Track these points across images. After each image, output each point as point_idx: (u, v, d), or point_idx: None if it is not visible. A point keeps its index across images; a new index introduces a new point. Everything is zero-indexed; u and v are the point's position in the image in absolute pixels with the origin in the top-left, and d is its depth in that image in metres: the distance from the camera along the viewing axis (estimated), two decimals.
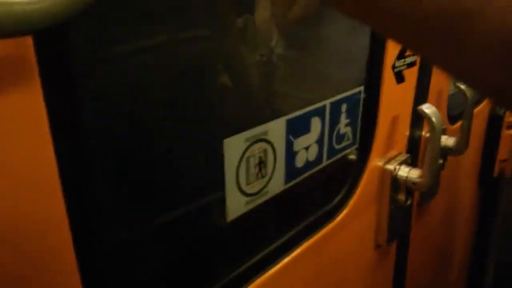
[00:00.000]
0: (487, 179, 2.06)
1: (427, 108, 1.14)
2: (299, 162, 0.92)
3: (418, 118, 1.28)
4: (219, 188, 0.76)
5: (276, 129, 0.84)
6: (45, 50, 0.46)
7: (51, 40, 0.46)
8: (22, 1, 0.34)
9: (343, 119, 1.02)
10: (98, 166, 0.60)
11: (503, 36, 0.26)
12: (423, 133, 1.35)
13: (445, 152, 1.44)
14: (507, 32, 0.26)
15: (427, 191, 1.42)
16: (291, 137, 0.88)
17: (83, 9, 0.38)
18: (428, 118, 1.13)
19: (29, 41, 0.44)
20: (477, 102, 1.75)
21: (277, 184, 0.88)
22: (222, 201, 0.77)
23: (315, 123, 0.93)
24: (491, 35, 0.27)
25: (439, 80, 1.35)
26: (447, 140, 1.44)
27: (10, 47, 0.43)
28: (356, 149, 1.10)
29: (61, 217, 0.51)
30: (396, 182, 1.19)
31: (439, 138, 1.15)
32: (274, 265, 0.89)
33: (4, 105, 0.44)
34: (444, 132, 1.42)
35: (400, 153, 1.24)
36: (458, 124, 1.59)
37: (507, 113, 1.97)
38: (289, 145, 0.88)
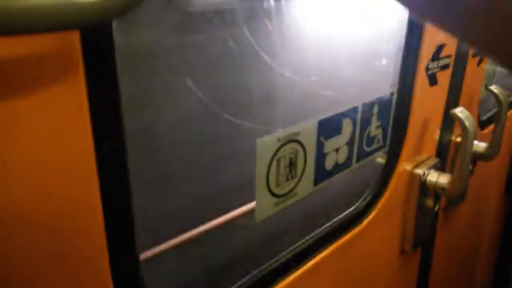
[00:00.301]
0: None
1: (460, 112, 1.11)
2: (329, 164, 0.90)
3: (448, 122, 1.25)
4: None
5: (308, 130, 0.82)
6: (91, 47, 0.45)
7: (98, 38, 0.46)
8: None
9: (374, 121, 1.00)
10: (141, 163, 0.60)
11: None
12: (453, 137, 1.32)
13: (475, 157, 1.40)
14: None
15: (455, 197, 1.39)
16: (322, 139, 0.86)
17: (131, 9, 0.37)
18: (461, 122, 1.10)
19: (75, 37, 0.44)
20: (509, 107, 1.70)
21: (306, 185, 0.86)
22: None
23: (347, 124, 0.92)
24: None
25: (471, 83, 1.32)
26: (477, 145, 1.40)
27: (57, 43, 0.42)
28: (386, 152, 1.08)
29: (96, 212, 0.51)
30: (424, 187, 1.17)
31: (472, 143, 1.12)
32: (300, 267, 0.88)
33: (49, 100, 0.44)
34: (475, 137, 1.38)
35: (429, 157, 1.21)
36: (488, 129, 1.55)
37: None
38: (320, 146, 0.86)
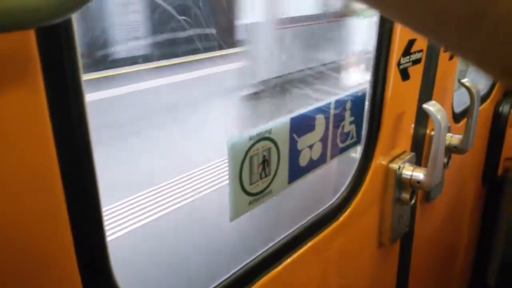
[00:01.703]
0: (491, 177, 2.05)
1: (432, 106, 1.12)
2: (303, 160, 0.91)
3: (422, 116, 1.27)
4: None
5: (280, 127, 0.82)
6: (47, 45, 0.44)
7: (54, 36, 0.45)
8: None
9: (348, 117, 1.00)
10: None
11: None
12: (428, 131, 1.34)
13: (450, 150, 1.42)
14: None
15: (431, 190, 1.41)
16: (295, 136, 0.86)
17: (84, 4, 0.37)
18: (434, 116, 1.11)
19: (32, 36, 0.43)
20: (482, 100, 1.74)
21: (281, 183, 0.86)
22: None
23: (320, 121, 0.92)
24: (507, 13, 0.26)
25: (444, 77, 1.34)
26: (452, 138, 1.42)
27: (12, 42, 0.41)
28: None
29: (62, 217, 0.50)
30: (400, 181, 1.18)
31: (444, 136, 1.14)
32: (277, 265, 0.89)
33: (6, 102, 0.43)
34: (448, 130, 1.41)
35: (404, 152, 1.23)
36: (463, 122, 1.58)
37: None
38: (293, 143, 0.87)
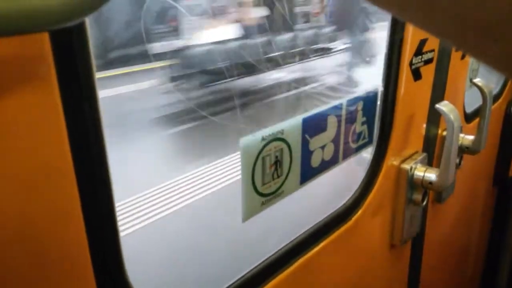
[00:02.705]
0: (503, 178, 2.02)
1: (445, 106, 1.11)
2: (315, 161, 0.90)
3: (434, 116, 1.25)
4: None
5: (292, 128, 0.82)
6: (61, 47, 0.45)
7: (68, 37, 0.45)
8: None
9: (360, 118, 1.00)
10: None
11: None
12: (439, 131, 1.33)
13: (462, 151, 1.41)
14: None
15: (443, 191, 1.39)
16: (307, 136, 0.86)
17: (99, 7, 0.37)
18: (446, 116, 1.10)
19: (45, 38, 0.43)
20: (493, 100, 1.72)
21: (293, 183, 0.86)
22: None
23: (331, 121, 0.92)
24: None
25: (456, 77, 1.32)
26: (464, 139, 1.41)
27: (26, 45, 0.41)
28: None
29: (76, 215, 0.50)
30: (412, 182, 1.17)
31: (457, 137, 1.13)
32: (290, 265, 0.88)
33: (21, 104, 0.43)
34: (460, 130, 1.39)
35: (416, 152, 1.22)
36: (474, 122, 1.56)
37: None
38: (305, 144, 0.86)
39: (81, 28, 0.46)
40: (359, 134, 1.02)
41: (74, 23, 0.35)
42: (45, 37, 0.43)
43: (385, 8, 0.32)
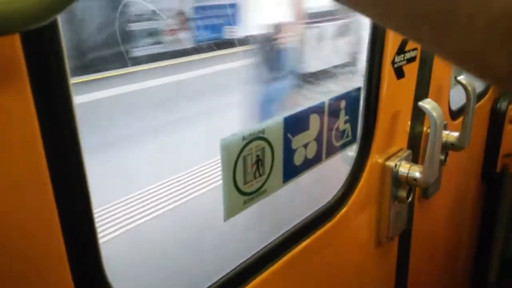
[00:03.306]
0: (490, 174, 2.05)
1: (427, 103, 1.13)
2: (298, 160, 0.91)
3: (419, 114, 1.27)
4: None
5: (273, 127, 0.83)
6: (33, 49, 0.45)
7: (39, 38, 0.46)
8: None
9: (342, 116, 1.01)
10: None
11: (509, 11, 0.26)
12: (424, 128, 1.34)
13: (447, 147, 1.43)
14: None
15: (428, 187, 1.41)
16: (289, 135, 0.87)
17: (68, 6, 0.37)
18: (429, 113, 1.11)
19: (16, 40, 0.43)
20: (479, 97, 1.74)
21: (275, 182, 0.87)
22: None
23: (314, 120, 0.92)
24: (495, 11, 0.26)
25: (440, 75, 1.34)
26: (449, 136, 1.42)
27: None
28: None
29: (52, 218, 0.51)
30: (397, 179, 1.18)
31: (440, 134, 1.14)
32: (273, 264, 0.89)
33: None
34: (445, 127, 1.41)
35: (401, 149, 1.23)
36: (460, 119, 1.58)
37: (510, 107, 1.95)
38: (287, 142, 0.87)
39: (53, 28, 0.47)
40: (343, 132, 1.03)
41: (45, 23, 0.35)
42: (16, 38, 0.44)
43: (344, 5, 0.33)
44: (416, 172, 1.16)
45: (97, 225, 0.57)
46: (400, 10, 0.30)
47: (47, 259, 0.52)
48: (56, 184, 0.50)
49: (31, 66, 0.45)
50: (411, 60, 1.14)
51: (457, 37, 0.29)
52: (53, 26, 0.46)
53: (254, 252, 0.88)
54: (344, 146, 1.04)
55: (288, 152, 0.88)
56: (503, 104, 1.94)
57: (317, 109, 0.93)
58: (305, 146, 0.92)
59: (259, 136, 0.80)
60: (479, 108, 1.60)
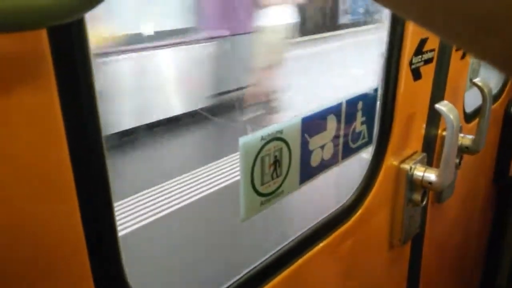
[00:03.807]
0: (503, 177, 2.02)
1: (445, 106, 1.11)
2: (315, 161, 0.90)
3: (434, 116, 1.25)
4: None
5: (291, 127, 0.82)
6: (60, 45, 0.44)
7: (66, 35, 0.45)
8: None
9: (359, 117, 0.99)
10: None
11: None
12: (439, 131, 1.32)
13: (461, 150, 1.41)
14: None
15: (443, 191, 1.39)
16: (306, 136, 0.86)
17: (96, 4, 0.36)
18: (446, 116, 1.10)
19: (43, 36, 0.43)
20: (493, 100, 1.72)
21: (292, 183, 0.86)
22: None
23: (331, 121, 0.91)
24: None
25: (456, 77, 1.32)
26: (463, 139, 1.41)
27: (24, 42, 0.41)
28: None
29: (75, 218, 0.50)
30: (411, 182, 1.17)
31: (457, 136, 1.12)
32: (288, 266, 0.88)
33: (19, 103, 0.43)
34: (460, 130, 1.39)
35: (415, 152, 1.22)
36: (474, 122, 1.56)
37: None
38: (304, 144, 0.86)
39: (80, 24, 0.46)
40: (359, 133, 1.01)
41: (72, 19, 0.35)
42: (43, 34, 0.43)
43: (382, 3, 0.32)
44: (431, 175, 1.15)
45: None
46: (441, 12, 0.29)
47: (67, 256, 0.51)
48: (79, 181, 0.49)
49: (57, 62, 0.44)
50: (428, 61, 1.13)
51: (501, 41, 0.28)
52: (80, 22, 0.45)
53: (269, 255, 0.87)
54: (360, 147, 1.03)
55: (305, 153, 0.87)
56: None
57: (335, 110, 0.92)
58: (322, 147, 0.91)
59: (277, 137, 0.79)
60: (492, 111, 1.58)
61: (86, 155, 0.50)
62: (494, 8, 0.27)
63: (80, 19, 0.45)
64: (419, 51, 1.07)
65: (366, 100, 1.00)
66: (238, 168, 0.73)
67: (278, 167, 0.81)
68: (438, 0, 0.29)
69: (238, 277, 0.81)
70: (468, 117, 1.56)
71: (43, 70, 0.44)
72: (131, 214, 2.70)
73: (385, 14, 1.05)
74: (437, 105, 1.11)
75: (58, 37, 0.44)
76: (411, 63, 1.06)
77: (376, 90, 1.04)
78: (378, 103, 1.05)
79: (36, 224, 0.47)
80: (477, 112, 1.45)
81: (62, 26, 0.34)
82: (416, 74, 1.10)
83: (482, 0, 0.27)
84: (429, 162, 1.29)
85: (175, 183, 3.09)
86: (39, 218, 0.47)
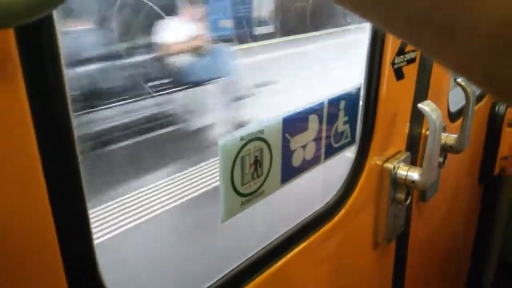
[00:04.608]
0: (488, 176, 2.04)
1: (427, 105, 1.12)
2: (296, 161, 0.90)
3: (417, 116, 1.26)
4: None
5: (272, 127, 0.82)
6: (27, 44, 0.44)
7: (34, 33, 0.44)
8: None
9: (342, 117, 1.00)
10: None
11: (494, 18, 0.25)
12: (423, 130, 1.33)
13: (445, 149, 1.42)
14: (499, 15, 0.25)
15: (426, 189, 1.40)
16: (287, 136, 0.86)
17: (61, 1, 0.36)
18: (428, 115, 1.11)
19: (11, 35, 0.42)
20: (477, 99, 1.73)
21: (273, 183, 0.86)
22: None
23: (313, 121, 0.91)
24: (496, 18, 0.25)
25: (439, 77, 1.33)
26: (447, 138, 1.42)
27: None
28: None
29: (46, 217, 0.49)
30: (395, 181, 1.18)
31: (439, 136, 1.13)
32: (271, 266, 0.88)
33: None
34: (444, 129, 1.40)
35: (399, 151, 1.22)
36: (459, 121, 1.57)
37: (508, 110, 1.95)
38: (285, 143, 0.86)
39: (49, 21, 0.45)
40: (341, 133, 1.02)
41: (38, 17, 0.34)
42: (10, 34, 0.42)
43: (345, 8, 0.32)
44: (414, 174, 1.15)
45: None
46: (399, 16, 0.30)
47: (41, 259, 0.51)
48: (50, 184, 0.49)
49: (26, 62, 0.44)
50: (411, 61, 1.14)
51: (458, 46, 0.28)
52: (49, 19, 0.45)
53: (249, 255, 0.87)
54: (343, 147, 1.03)
55: (287, 153, 0.87)
56: (501, 107, 1.93)
57: (316, 110, 0.92)
58: (304, 147, 0.91)
59: (257, 137, 0.78)
60: (477, 111, 1.59)
61: (58, 156, 0.50)
62: (455, 15, 0.27)
63: (48, 16, 0.45)
64: (401, 51, 1.08)
65: (348, 99, 1.00)
66: None
67: (259, 167, 0.81)
68: (393, 6, 0.29)
69: (219, 276, 0.81)
70: (453, 116, 1.57)
71: (10, 69, 0.43)
72: None
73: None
74: (419, 105, 1.12)
75: (26, 36, 0.44)
76: (393, 63, 1.07)
77: (359, 89, 1.04)
78: (361, 102, 1.06)
79: (7, 228, 0.47)
80: (462, 112, 1.47)
81: (29, 24, 0.34)
82: (399, 74, 1.11)
83: (437, 5, 0.27)
84: (413, 161, 1.30)
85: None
86: (9, 222, 0.47)
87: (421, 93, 1.24)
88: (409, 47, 1.10)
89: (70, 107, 0.50)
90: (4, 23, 0.35)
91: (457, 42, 0.28)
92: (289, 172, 0.89)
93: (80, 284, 0.56)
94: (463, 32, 0.27)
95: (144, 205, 2.89)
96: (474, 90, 1.38)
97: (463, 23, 0.27)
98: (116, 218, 2.75)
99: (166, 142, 3.37)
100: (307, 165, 0.93)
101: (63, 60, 0.48)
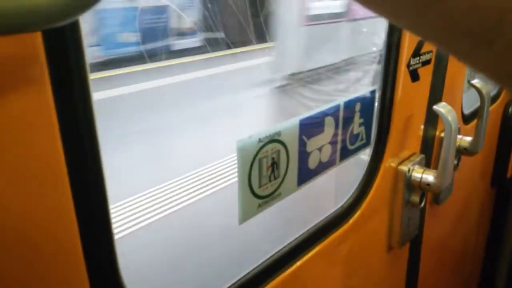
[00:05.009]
0: (501, 179, 2.02)
1: (442, 107, 1.11)
2: (313, 163, 0.90)
3: (432, 118, 1.25)
4: None
5: (289, 129, 0.81)
6: (54, 47, 0.44)
7: (61, 37, 0.45)
8: None
9: (357, 119, 0.99)
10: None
11: None
12: (437, 133, 1.32)
13: (460, 152, 1.41)
14: None
15: (441, 192, 1.39)
16: (304, 138, 0.85)
17: (91, 6, 0.36)
18: (444, 118, 1.10)
19: (38, 38, 0.42)
20: (492, 101, 1.72)
21: (290, 185, 0.85)
22: None
23: (329, 123, 0.91)
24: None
25: (454, 78, 1.32)
26: (462, 140, 1.41)
27: (18, 44, 0.41)
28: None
29: (69, 216, 0.50)
30: (409, 184, 1.17)
31: (455, 138, 1.12)
32: (286, 268, 0.88)
33: (14, 104, 0.42)
34: (458, 132, 1.39)
35: (414, 153, 1.21)
36: (472, 123, 1.56)
37: None
38: (302, 145, 0.86)
39: (74, 27, 0.46)
40: (357, 135, 1.01)
41: (66, 22, 0.35)
42: (38, 37, 0.43)
43: (380, 14, 0.32)
44: (429, 176, 1.15)
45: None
46: (408, 10, 0.29)
47: (63, 257, 0.51)
48: (74, 181, 0.49)
49: (52, 64, 0.44)
50: (426, 63, 1.13)
51: (494, 47, 0.28)
52: (75, 25, 0.45)
53: (267, 257, 0.87)
54: (358, 149, 1.03)
55: (303, 155, 0.87)
56: None
57: (332, 112, 0.91)
58: (320, 149, 0.91)
59: (275, 139, 0.78)
60: (490, 113, 1.58)
61: (81, 156, 0.50)
62: (487, 22, 0.27)
63: (74, 22, 0.45)
64: (416, 52, 1.07)
65: (364, 101, 1.00)
66: None
67: (276, 169, 0.81)
68: (432, 13, 0.29)
69: (235, 279, 0.80)
70: (467, 119, 1.56)
71: (37, 73, 0.43)
72: None
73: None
74: (435, 107, 1.11)
75: (53, 39, 0.44)
76: (409, 65, 1.06)
77: (374, 91, 1.03)
78: (376, 104, 1.05)
79: (31, 225, 0.47)
80: (476, 114, 1.46)
81: (56, 28, 0.34)
82: (414, 76, 1.10)
83: (475, 13, 0.27)
84: (427, 164, 1.29)
85: None
86: (34, 219, 0.47)
87: (435, 95, 1.23)
88: (424, 49, 1.10)
89: (93, 106, 0.50)
90: (34, 26, 0.35)
91: (494, 52, 0.28)
92: (306, 174, 0.89)
93: (101, 284, 0.56)
94: (501, 44, 0.27)
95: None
96: (489, 91, 1.37)
97: (502, 36, 0.27)
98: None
99: None
100: (323, 167, 0.93)
101: (87, 63, 0.48)
